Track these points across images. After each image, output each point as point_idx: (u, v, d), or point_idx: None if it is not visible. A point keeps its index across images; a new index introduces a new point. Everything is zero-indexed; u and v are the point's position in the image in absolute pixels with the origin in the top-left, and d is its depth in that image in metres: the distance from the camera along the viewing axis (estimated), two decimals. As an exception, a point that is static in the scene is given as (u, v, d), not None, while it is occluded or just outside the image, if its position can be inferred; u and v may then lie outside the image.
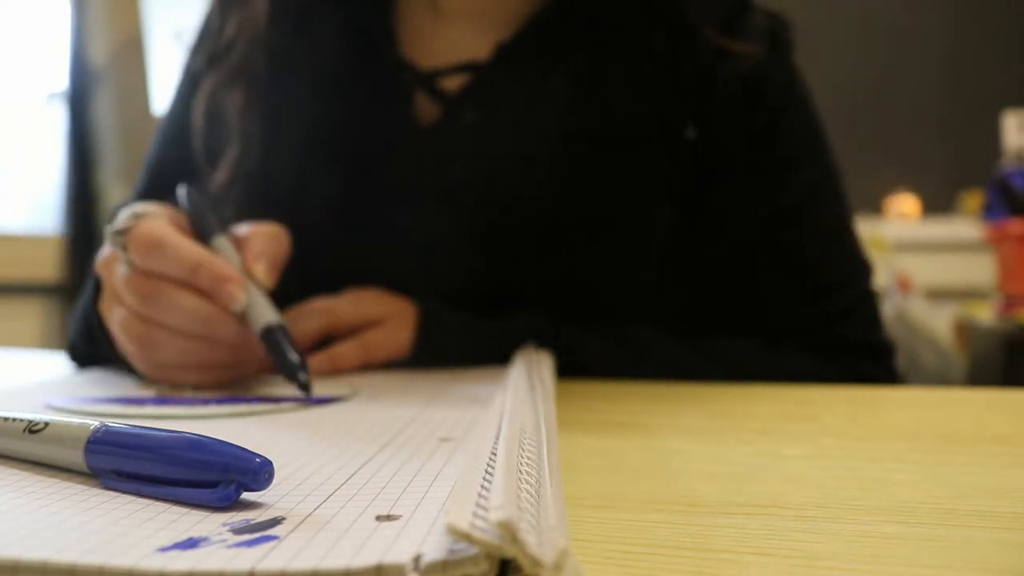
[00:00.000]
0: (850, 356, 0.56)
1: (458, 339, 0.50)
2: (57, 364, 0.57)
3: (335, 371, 0.47)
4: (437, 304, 0.52)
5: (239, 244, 0.44)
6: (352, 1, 0.58)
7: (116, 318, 0.42)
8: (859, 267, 0.59)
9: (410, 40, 0.59)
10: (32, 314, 1.41)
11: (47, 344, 1.40)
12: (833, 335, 0.56)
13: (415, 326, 0.50)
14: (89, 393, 0.40)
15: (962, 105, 2.81)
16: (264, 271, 0.42)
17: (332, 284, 0.52)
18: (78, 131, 1.55)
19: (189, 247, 0.40)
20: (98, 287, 0.45)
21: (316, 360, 0.47)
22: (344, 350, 0.48)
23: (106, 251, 0.43)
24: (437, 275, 0.54)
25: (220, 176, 0.57)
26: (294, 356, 0.38)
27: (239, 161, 0.57)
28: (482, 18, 0.58)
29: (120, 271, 0.41)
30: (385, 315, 0.50)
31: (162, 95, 1.77)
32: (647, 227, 0.55)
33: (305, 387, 0.37)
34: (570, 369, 0.48)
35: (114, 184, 1.56)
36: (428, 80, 0.57)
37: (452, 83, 0.57)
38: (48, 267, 1.42)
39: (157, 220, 0.41)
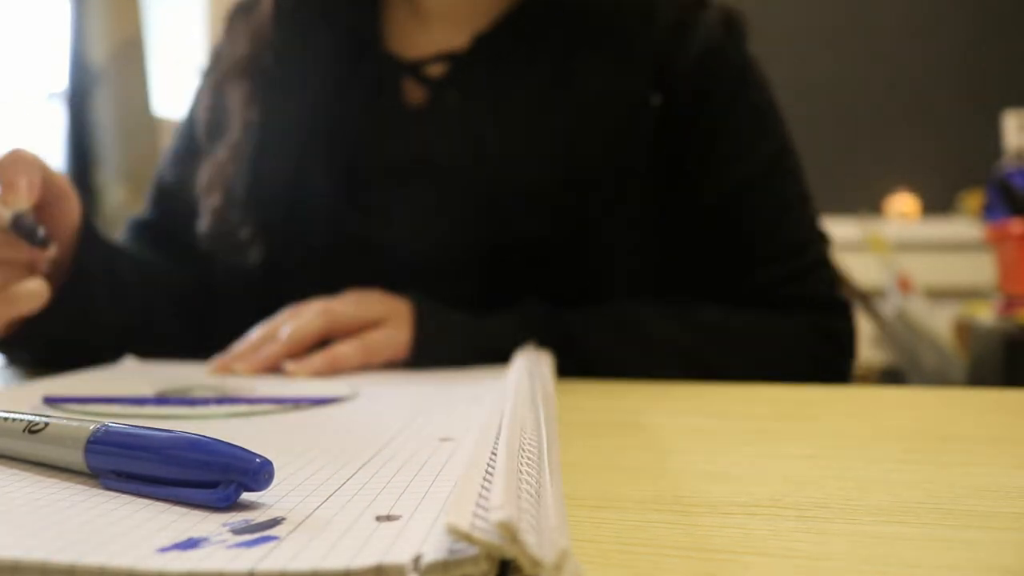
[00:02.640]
0: (813, 311, 0.59)
1: (456, 339, 0.51)
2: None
3: (335, 371, 0.47)
4: (435, 304, 0.52)
5: None
6: (344, 7, 0.63)
7: None
8: (817, 235, 0.62)
9: (395, 38, 0.63)
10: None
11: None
12: (795, 291, 0.59)
13: (413, 327, 0.50)
14: (89, 393, 0.40)
15: (962, 105, 2.81)
16: (20, 198, 0.45)
17: (331, 263, 0.57)
18: (78, 131, 1.55)
19: None
20: None
21: (317, 360, 0.47)
22: (344, 350, 0.48)
23: None
24: (430, 250, 0.57)
25: (220, 155, 0.61)
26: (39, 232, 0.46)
27: (239, 144, 0.61)
28: (459, 18, 0.62)
29: None
30: (384, 316, 0.51)
31: (162, 95, 1.77)
32: (621, 191, 0.58)
33: (43, 242, 0.45)
34: (568, 359, 0.49)
35: (114, 184, 1.56)
36: (413, 69, 0.61)
37: (435, 71, 0.61)
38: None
39: None
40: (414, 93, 0.61)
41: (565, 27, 0.60)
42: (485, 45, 0.60)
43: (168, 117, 1.78)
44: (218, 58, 0.66)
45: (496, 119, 0.59)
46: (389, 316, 0.51)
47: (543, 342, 0.49)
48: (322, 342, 0.49)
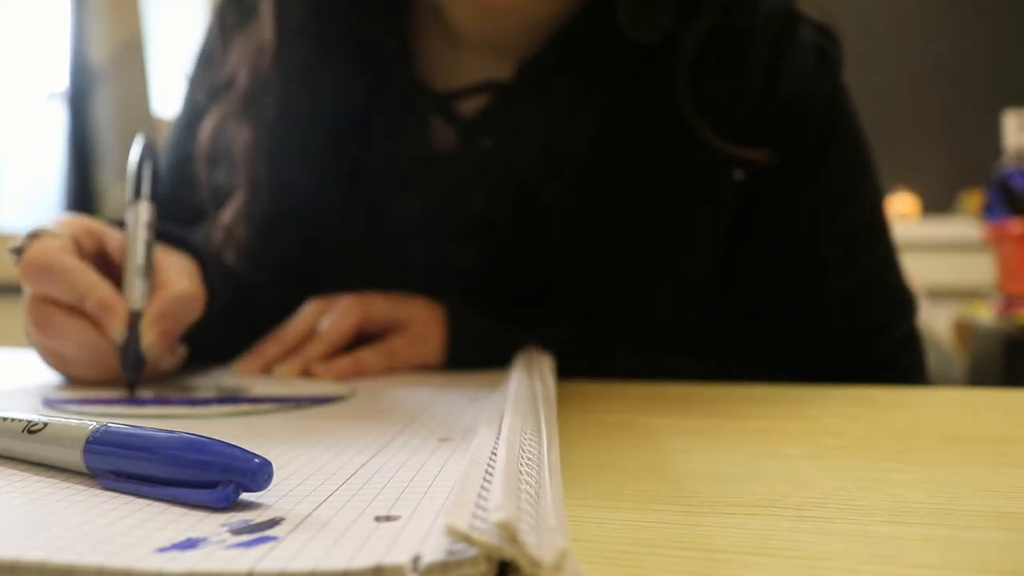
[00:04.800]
0: None
1: (490, 349, 0.48)
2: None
3: (360, 375, 0.46)
4: (466, 311, 0.50)
5: (156, 285, 0.42)
6: (365, 25, 0.55)
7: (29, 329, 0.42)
8: (901, 304, 0.56)
9: (427, 64, 0.56)
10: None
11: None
12: (872, 382, 0.52)
13: (446, 336, 0.49)
14: (89, 393, 0.40)
15: (962, 105, 2.81)
16: (152, 339, 0.40)
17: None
18: (78, 131, 1.55)
19: (78, 272, 0.39)
20: None
21: (343, 363, 0.46)
22: (369, 355, 0.47)
23: None
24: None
25: (225, 217, 0.56)
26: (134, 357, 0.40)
27: (248, 203, 0.55)
28: (501, 49, 0.54)
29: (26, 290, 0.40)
30: (413, 319, 0.49)
31: (162, 95, 1.77)
32: (683, 266, 0.54)
33: (130, 385, 0.39)
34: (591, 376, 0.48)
35: (114, 184, 1.56)
36: (445, 103, 0.54)
37: (470, 106, 0.54)
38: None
39: (52, 241, 0.39)
40: (444, 136, 0.54)
41: (629, 64, 0.51)
42: (531, 75, 0.52)
43: (168, 117, 1.78)
44: (209, 68, 0.59)
45: (536, 167, 0.52)
46: (418, 320, 0.49)
47: (572, 360, 0.47)
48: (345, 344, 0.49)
